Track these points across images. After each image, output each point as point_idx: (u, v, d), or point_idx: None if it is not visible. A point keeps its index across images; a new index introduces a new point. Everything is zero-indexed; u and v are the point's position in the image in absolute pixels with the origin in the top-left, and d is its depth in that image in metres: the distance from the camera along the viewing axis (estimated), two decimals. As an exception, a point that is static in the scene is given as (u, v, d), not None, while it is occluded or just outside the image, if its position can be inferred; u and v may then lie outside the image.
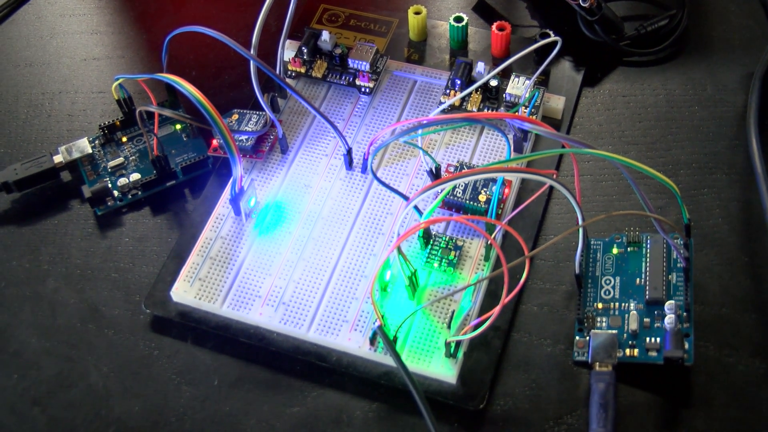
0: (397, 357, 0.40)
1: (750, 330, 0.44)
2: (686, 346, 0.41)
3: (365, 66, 0.53)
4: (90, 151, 0.53)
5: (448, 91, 0.52)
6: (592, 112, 0.54)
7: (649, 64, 0.56)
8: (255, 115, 0.51)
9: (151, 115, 0.52)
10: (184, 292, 0.46)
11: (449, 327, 0.43)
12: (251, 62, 0.46)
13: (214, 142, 0.51)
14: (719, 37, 0.57)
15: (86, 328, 0.47)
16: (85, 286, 0.48)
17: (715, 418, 0.42)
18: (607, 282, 0.45)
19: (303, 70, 0.54)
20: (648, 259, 0.45)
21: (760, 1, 0.58)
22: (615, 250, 0.46)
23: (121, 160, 0.53)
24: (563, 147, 0.40)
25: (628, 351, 0.42)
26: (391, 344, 0.40)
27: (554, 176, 0.39)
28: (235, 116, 0.52)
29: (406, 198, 0.46)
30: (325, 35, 0.54)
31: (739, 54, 0.55)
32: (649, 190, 0.49)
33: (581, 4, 0.54)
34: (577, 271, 0.44)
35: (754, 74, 0.53)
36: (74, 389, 0.45)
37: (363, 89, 0.53)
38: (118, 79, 0.50)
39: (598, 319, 0.44)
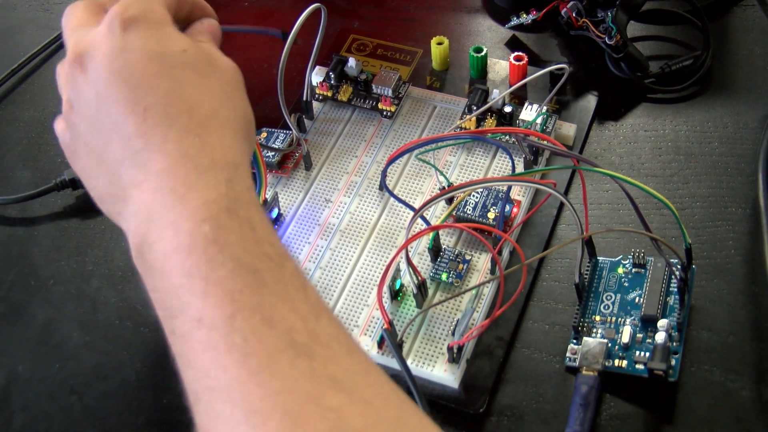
0: (401, 359, 0.42)
1: (757, 357, 0.45)
2: (672, 362, 0.43)
3: (388, 91, 0.56)
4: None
5: (464, 116, 0.55)
6: (614, 145, 0.56)
7: (672, 102, 0.58)
8: (282, 134, 0.55)
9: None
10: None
11: (453, 334, 0.45)
12: (278, 88, 0.50)
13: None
14: (743, 77, 0.58)
15: (124, 326, 0.50)
16: (125, 286, 0.52)
17: (717, 441, 0.43)
18: (608, 298, 0.47)
19: (330, 94, 0.58)
20: (648, 279, 0.47)
21: (785, 44, 0.60)
22: (620, 270, 0.48)
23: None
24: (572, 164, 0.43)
25: (617, 362, 0.44)
26: (396, 346, 0.43)
27: (553, 186, 0.42)
28: (264, 134, 0.55)
29: (414, 209, 0.49)
30: (352, 62, 0.57)
31: (761, 94, 0.57)
32: (665, 220, 0.51)
33: (607, 41, 0.56)
34: (577, 280, 0.46)
35: (772, 112, 0.54)
36: (109, 381, 0.48)
37: (385, 113, 0.57)
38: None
39: (594, 329, 0.46)
